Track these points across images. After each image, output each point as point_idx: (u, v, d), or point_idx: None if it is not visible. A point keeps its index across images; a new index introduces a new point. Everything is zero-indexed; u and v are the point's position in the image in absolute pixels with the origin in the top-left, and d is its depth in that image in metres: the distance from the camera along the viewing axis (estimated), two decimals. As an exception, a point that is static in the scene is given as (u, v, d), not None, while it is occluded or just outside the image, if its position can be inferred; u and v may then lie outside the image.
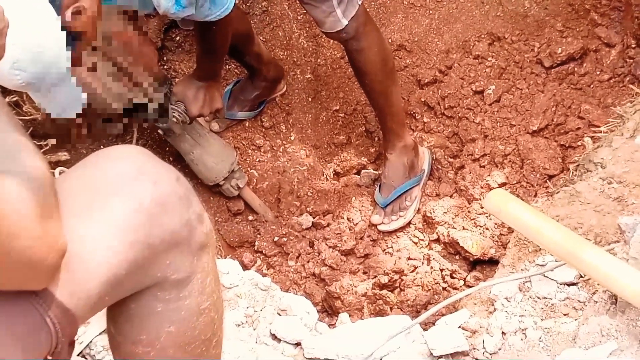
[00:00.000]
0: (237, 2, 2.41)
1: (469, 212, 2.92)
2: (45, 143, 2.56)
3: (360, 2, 2.68)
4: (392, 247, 2.98)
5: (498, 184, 2.96)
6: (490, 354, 1.84)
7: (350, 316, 2.37)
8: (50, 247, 1.17)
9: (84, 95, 1.87)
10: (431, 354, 1.86)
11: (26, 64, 1.74)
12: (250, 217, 3.14)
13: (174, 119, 2.81)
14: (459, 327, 1.94)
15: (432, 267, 2.80)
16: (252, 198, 3.15)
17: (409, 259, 2.86)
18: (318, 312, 2.22)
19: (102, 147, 3.00)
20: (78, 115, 1.92)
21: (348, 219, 3.06)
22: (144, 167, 1.31)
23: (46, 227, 1.16)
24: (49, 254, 1.17)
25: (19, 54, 1.72)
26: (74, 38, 1.76)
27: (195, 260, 1.36)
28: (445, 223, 2.92)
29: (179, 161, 3.01)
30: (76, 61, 1.80)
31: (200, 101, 2.85)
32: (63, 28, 1.74)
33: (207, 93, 2.86)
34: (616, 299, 1.71)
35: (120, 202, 1.27)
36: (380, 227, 3.02)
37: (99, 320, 1.73)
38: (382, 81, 2.86)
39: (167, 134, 2.93)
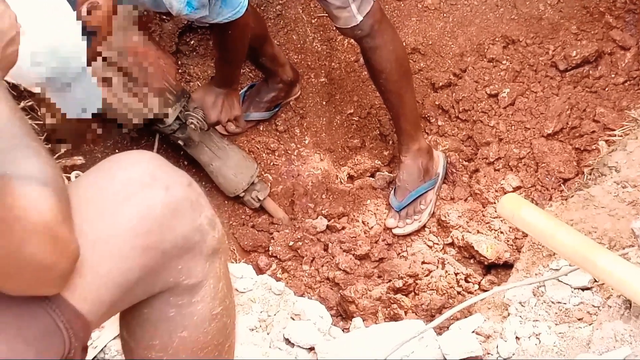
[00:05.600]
0: (252, 4, 2.41)
1: (483, 215, 2.91)
2: (60, 147, 2.57)
3: None
4: (406, 250, 2.97)
5: (513, 188, 2.95)
6: (504, 359, 1.84)
7: (364, 320, 2.36)
8: (62, 253, 1.18)
9: (101, 93, 1.88)
10: (445, 358, 1.85)
11: (45, 60, 1.75)
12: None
13: (192, 126, 2.82)
14: (473, 331, 1.94)
15: (446, 271, 2.79)
16: (274, 210, 3.12)
17: (424, 262, 2.86)
18: (332, 316, 2.22)
19: (117, 151, 3.01)
20: (94, 115, 1.93)
21: (363, 222, 3.06)
22: (155, 172, 1.32)
23: (58, 232, 1.16)
24: (61, 259, 1.17)
25: (37, 49, 1.73)
26: (89, 34, 1.77)
27: (208, 265, 1.37)
28: (460, 227, 2.92)
29: (193, 165, 3.02)
30: (92, 57, 1.81)
31: (219, 108, 2.88)
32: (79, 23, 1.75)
33: (226, 100, 2.89)
34: (630, 304, 1.70)
35: (132, 207, 1.27)
36: (395, 231, 3.02)
37: (113, 325, 1.74)
38: (396, 81, 2.85)
39: (187, 145, 2.93)
